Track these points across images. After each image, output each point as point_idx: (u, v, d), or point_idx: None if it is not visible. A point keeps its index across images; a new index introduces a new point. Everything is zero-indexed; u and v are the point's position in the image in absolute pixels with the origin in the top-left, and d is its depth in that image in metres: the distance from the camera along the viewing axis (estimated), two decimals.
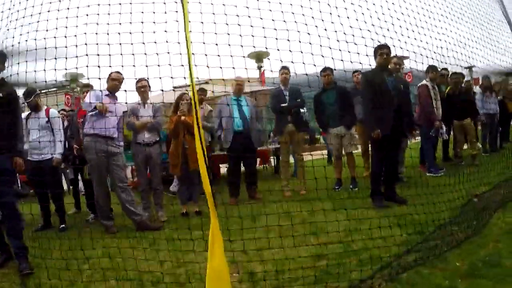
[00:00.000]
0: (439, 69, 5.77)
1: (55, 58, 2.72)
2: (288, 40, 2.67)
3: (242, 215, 3.03)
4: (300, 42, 2.73)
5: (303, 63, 2.78)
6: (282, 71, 4.96)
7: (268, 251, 2.60)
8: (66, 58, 2.69)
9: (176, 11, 2.43)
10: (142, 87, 4.45)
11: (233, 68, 2.64)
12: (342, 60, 3.45)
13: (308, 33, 2.84)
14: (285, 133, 4.89)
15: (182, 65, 2.33)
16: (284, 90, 4.99)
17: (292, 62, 2.79)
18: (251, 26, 2.61)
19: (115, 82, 4.16)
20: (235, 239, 2.63)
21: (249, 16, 2.64)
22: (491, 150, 6.89)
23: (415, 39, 3.70)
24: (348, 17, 3.15)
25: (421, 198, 3.51)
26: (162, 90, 2.78)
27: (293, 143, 4.98)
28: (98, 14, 2.60)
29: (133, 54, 2.52)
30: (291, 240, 2.65)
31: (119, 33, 2.58)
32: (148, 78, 3.96)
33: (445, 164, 5.95)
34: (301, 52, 2.71)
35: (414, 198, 3.62)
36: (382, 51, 3.90)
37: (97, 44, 2.58)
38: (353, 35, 3.47)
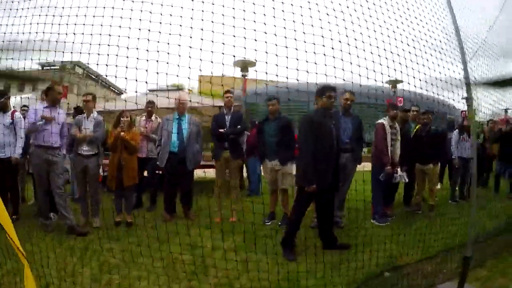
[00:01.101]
0: (412, 107, 5.28)
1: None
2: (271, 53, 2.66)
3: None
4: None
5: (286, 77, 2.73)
6: (225, 94, 4.83)
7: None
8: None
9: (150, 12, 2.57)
10: (86, 101, 4.68)
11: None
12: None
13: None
14: (221, 158, 4.84)
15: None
16: (226, 114, 4.88)
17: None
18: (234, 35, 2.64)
19: (54, 95, 4.41)
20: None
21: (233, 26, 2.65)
22: (460, 197, 6.25)
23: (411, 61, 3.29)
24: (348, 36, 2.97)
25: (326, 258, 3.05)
26: (136, 92, 2.96)
27: (229, 170, 4.91)
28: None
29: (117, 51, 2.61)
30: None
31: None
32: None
33: (401, 211, 5.47)
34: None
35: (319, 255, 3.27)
36: (330, 93, 3.59)
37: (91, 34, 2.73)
38: (350, 53, 3.21)
